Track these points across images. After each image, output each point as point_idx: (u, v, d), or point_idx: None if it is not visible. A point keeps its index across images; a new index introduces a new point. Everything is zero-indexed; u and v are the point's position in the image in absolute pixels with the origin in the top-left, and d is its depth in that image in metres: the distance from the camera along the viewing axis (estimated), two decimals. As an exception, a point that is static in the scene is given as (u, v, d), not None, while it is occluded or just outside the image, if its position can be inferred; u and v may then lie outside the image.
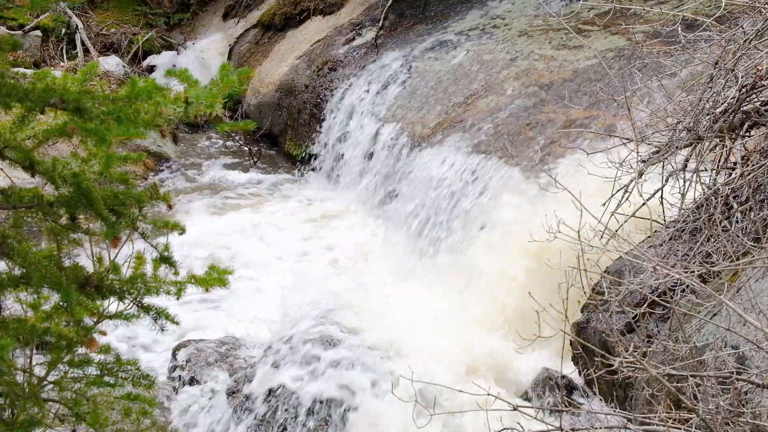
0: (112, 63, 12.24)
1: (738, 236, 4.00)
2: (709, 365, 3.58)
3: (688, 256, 4.39)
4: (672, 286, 4.30)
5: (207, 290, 3.54)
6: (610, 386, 4.52)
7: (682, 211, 4.67)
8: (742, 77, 4.36)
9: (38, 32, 12.55)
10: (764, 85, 4.40)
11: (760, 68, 4.37)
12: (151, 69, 12.90)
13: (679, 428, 3.17)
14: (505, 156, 7.58)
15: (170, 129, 10.67)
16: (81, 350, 3.59)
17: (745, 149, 4.57)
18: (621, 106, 5.08)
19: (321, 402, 5.40)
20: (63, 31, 12.71)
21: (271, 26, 12.63)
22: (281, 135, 11.29)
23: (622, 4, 5.90)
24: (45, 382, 3.56)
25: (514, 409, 3.23)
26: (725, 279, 4.14)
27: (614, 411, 3.41)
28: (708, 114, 4.48)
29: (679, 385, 3.35)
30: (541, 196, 6.21)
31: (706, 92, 4.52)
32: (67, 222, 3.14)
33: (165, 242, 3.42)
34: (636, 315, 4.56)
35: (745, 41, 4.40)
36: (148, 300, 3.42)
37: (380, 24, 10.85)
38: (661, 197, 4.76)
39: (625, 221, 4.62)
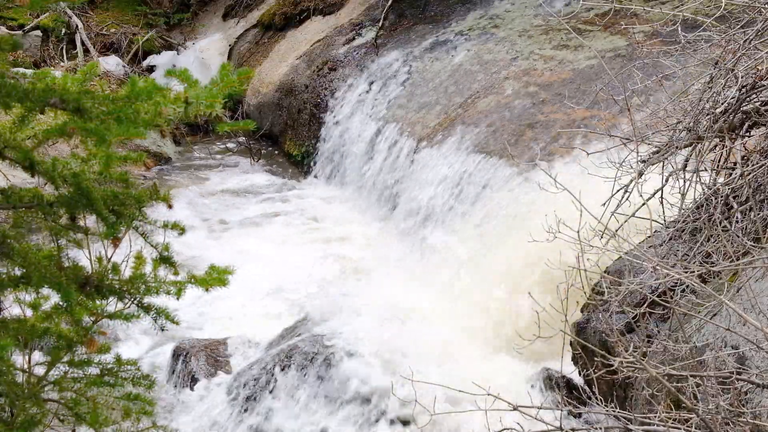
0: (112, 63, 12.24)
1: (738, 236, 4.00)
2: (709, 365, 3.57)
3: (688, 256, 4.38)
4: (672, 286, 4.29)
5: (207, 290, 3.53)
6: (610, 386, 4.52)
7: (682, 211, 4.66)
8: (742, 77, 4.36)
9: (38, 32, 12.55)
10: (764, 85, 4.39)
11: (760, 68, 4.36)
12: (151, 69, 12.90)
13: (679, 428, 3.17)
14: (505, 156, 7.58)
15: (170, 129, 10.67)
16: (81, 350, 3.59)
17: (745, 149, 4.57)
18: (621, 106, 5.08)
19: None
20: (63, 31, 12.71)
21: (271, 26, 12.63)
22: (281, 135, 11.29)
23: (622, 4, 5.90)
24: (45, 382, 3.56)
25: (514, 409, 3.23)
26: (725, 279, 4.13)
27: (614, 411, 3.41)
28: (708, 114, 4.48)
29: (679, 385, 3.35)
30: (540, 196, 6.20)
31: (706, 92, 4.51)
32: (67, 222, 3.14)
33: (164, 242, 3.41)
34: (636, 315, 4.56)
35: (745, 41, 4.39)
36: (147, 300, 3.42)
37: (380, 24, 10.85)
38: (661, 197, 4.76)
39: (625, 221, 4.62)
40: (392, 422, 5.49)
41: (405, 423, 5.48)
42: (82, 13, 13.04)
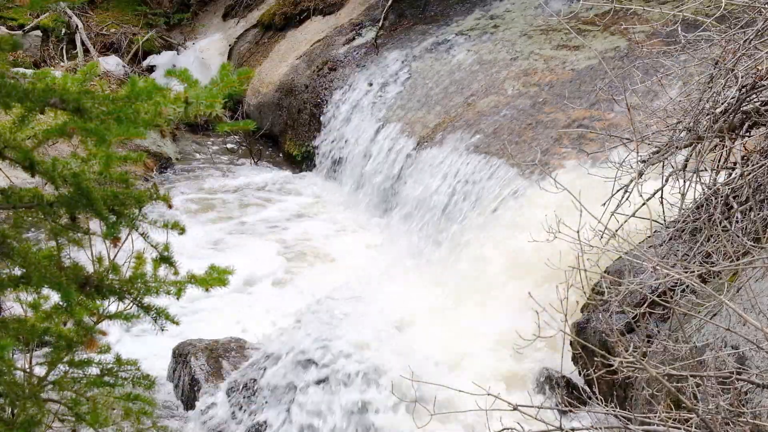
0: (112, 63, 12.24)
1: (738, 236, 4.00)
2: (709, 365, 3.58)
3: (688, 256, 4.39)
4: (672, 286, 4.30)
5: (207, 290, 3.53)
6: (610, 386, 4.52)
7: (682, 211, 4.66)
8: (742, 77, 4.36)
9: (38, 32, 12.54)
10: (764, 85, 4.40)
11: (760, 68, 4.37)
12: (151, 69, 12.89)
13: (679, 428, 3.17)
14: (505, 156, 7.58)
15: (170, 129, 10.67)
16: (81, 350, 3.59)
17: (745, 149, 4.57)
18: (621, 106, 5.08)
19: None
20: (63, 31, 12.71)
21: (271, 26, 12.63)
22: (281, 135, 11.29)
23: (622, 4, 5.90)
24: (45, 382, 3.56)
25: (514, 409, 3.23)
26: (725, 279, 4.14)
27: (614, 411, 3.41)
28: (708, 114, 4.48)
29: (679, 385, 3.35)
30: (541, 196, 6.20)
31: (706, 92, 4.52)
32: (67, 222, 3.14)
33: (165, 242, 3.41)
34: (636, 315, 4.56)
35: (745, 41, 4.40)
36: (147, 300, 3.42)
37: (380, 24, 10.85)
38: (661, 197, 4.76)
39: (625, 221, 4.62)
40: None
41: None
42: (82, 13, 13.04)
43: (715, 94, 4.46)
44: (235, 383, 6.01)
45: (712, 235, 4.27)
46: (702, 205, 4.52)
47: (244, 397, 5.86)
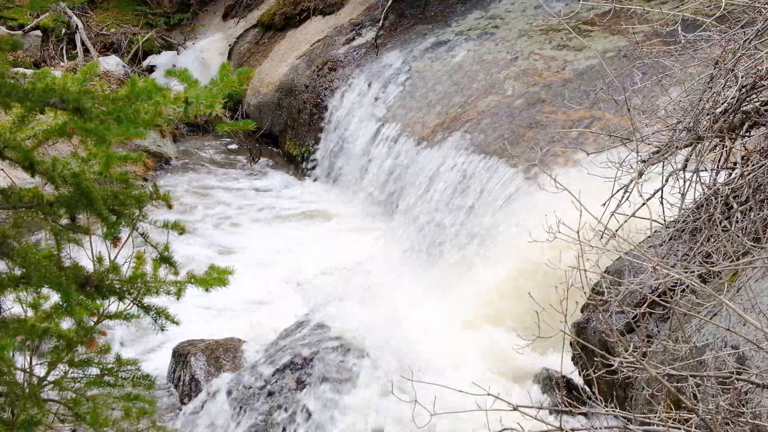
0: (112, 63, 12.24)
1: (738, 236, 4.00)
2: (709, 365, 3.58)
3: (688, 256, 4.39)
4: (672, 286, 4.29)
5: (207, 290, 3.53)
6: (610, 386, 4.52)
7: (682, 211, 4.66)
8: (742, 77, 4.36)
9: (38, 32, 12.55)
10: (764, 85, 4.39)
11: (760, 68, 4.36)
12: (151, 69, 12.90)
13: (679, 428, 3.17)
14: (505, 156, 7.58)
15: (170, 129, 10.67)
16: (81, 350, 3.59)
17: (745, 149, 4.57)
18: (621, 106, 5.08)
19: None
20: (63, 31, 12.71)
21: (271, 26, 12.63)
22: (281, 135, 11.29)
23: (622, 4, 5.90)
24: (45, 382, 3.56)
25: (514, 409, 3.23)
26: (725, 279, 4.14)
27: (614, 411, 3.41)
28: (708, 114, 4.48)
29: (679, 385, 3.35)
30: (541, 196, 6.20)
31: (706, 92, 4.52)
32: (67, 222, 3.14)
33: (165, 242, 3.42)
34: (636, 315, 4.56)
35: (745, 41, 4.39)
36: (147, 300, 3.42)
37: (380, 24, 10.85)
38: (661, 197, 4.76)
39: (625, 221, 4.62)
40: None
41: None
42: (82, 13, 13.04)
43: (715, 94, 4.45)
44: (236, 382, 6.01)
45: (712, 235, 4.27)
46: (702, 205, 4.52)
47: (244, 397, 5.86)
